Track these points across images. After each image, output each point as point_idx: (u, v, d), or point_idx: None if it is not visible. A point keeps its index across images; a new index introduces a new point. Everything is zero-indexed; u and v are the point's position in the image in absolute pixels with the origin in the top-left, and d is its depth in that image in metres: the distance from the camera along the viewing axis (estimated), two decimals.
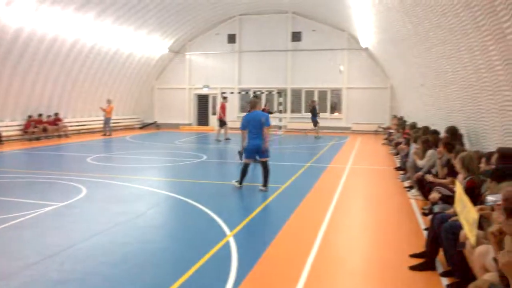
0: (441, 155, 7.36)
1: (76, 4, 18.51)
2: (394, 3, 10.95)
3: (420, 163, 8.25)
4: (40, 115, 20.62)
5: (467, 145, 8.27)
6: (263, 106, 12.52)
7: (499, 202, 3.44)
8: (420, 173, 7.72)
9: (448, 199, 5.86)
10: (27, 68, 18.98)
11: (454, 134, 7.67)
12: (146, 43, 25.67)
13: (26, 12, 16.94)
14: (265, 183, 8.98)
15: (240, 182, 9.23)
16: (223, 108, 20.01)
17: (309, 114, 22.99)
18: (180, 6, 23.48)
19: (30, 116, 20.08)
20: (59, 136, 21.50)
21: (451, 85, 8.93)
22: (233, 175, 11.39)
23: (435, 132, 9.28)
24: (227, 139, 19.75)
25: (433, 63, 9.98)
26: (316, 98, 27.41)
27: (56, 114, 21.55)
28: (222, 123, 19.92)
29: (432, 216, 5.30)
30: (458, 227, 4.34)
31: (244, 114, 9.40)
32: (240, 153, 12.50)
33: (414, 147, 9.17)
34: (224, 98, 21.30)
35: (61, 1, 17.82)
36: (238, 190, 9.17)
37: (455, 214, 4.71)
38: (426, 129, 9.72)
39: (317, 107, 23.21)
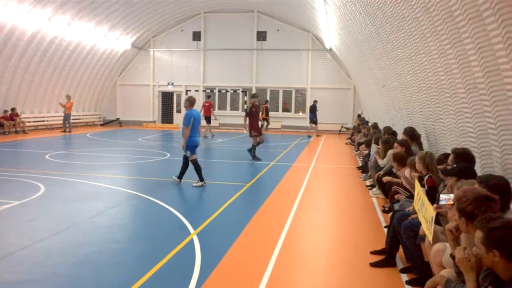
0: None
1: None
2: (357, 6, 11.18)
3: (381, 162, 8.45)
4: None
5: (426, 146, 8.54)
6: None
7: (451, 202, 3.57)
8: (380, 172, 7.92)
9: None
10: None
11: (411, 135, 7.90)
12: (108, 38, 25.09)
13: None
14: (181, 176, 9.51)
15: (201, 179, 9.34)
16: (210, 106, 21.36)
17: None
18: (145, 1, 23.10)
19: None
20: (16, 132, 20.72)
21: (411, 87, 9.20)
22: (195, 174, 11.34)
23: (394, 133, 9.55)
24: (205, 136, 20.44)
25: (393, 65, 10.25)
26: (280, 97, 27.67)
27: (13, 109, 20.75)
28: (208, 120, 21.25)
29: (392, 213, 5.44)
30: (417, 224, 4.48)
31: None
32: (250, 150, 13.46)
33: (374, 147, 9.39)
34: (209, 96, 23.40)
35: None
36: (201, 188, 9.15)
37: (414, 212, 4.86)
38: (386, 130, 9.98)
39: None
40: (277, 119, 27.34)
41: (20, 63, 20.37)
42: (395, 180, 7.00)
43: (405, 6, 7.34)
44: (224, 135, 22.65)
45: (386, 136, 9.09)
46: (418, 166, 5.69)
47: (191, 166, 9.41)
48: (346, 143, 19.63)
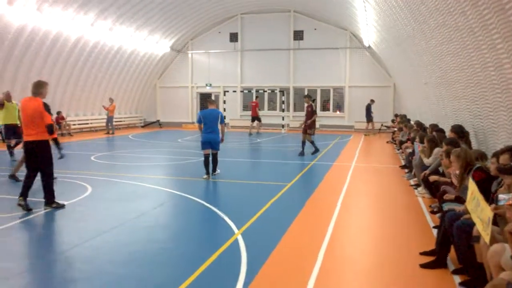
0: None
1: (77, 3, 18.51)
2: (399, 2, 10.92)
3: (427, 161, 8.21)
4: None
5: (475, 144, 8.24)
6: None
7: (511, 202, 3.42)
8: (427, 171, 7.69)
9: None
10: (29, 67, 18.98)
11: (460, 132, 7.63)
12: (148, 42, 25.66)
13: (27, 11, 16.92)
14: (214, 170, 10.49)
15: (207, 173, 10.27)
16: (255, 105, 22.94)
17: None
18: (182, 5, 23.49)
19: None
20: (62, 135, 21.49)
21: (456, 83, 8.90)
22: (237, 173, 11.42)
23: (441, 130, 9.24)
24: (254, 133, 22.62)
25: (438, 61, 9.95)
26: (318, 96, 27.48)
27: (59, 113, 21.55)
28: (257, 118, 23.05)
29: (442, 214, 5.28)
30: (470, 225, 4.32)
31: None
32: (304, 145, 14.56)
33: (419, 145, 9.14)
34: (257, 97, 24.89)
35: (63, 0, 17.82)
36: (242, 188, 9.21)
37: (466, 212, 4.69)
38: (433, 127, 9.68)
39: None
40: (316, 118, 27.04)
41: (65, 68, 21.13)
42: (443, 179, 6.79)
43: (450, 0, 7.10)
44: (262, 135, 22.68)
45: (433, 134, 8.82)
46: (456, 164, 5.51)
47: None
48: (387, 142, 19.24)
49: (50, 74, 20.40)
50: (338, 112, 27.57)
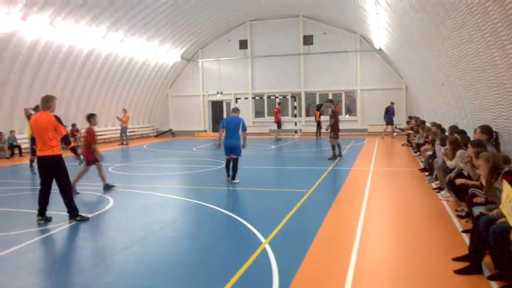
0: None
1: (89, 16, 18.70)
2: (413, 4, 10.86)
3: (450, 163, 8.10)
4: None
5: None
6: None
7: None
8: (452, 174, 7.58)
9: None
10: (43, 80, 19.18)
11: (490, 133, 7.52)
12: (159, 52, 25.83)
13: (40, 26, 17.12)
14: (234, 178, 10.81)
15: (228, 175, 10.95)
16: (277, 112, 23.80)
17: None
18: (191, 14, 23.62)
19: None
20: (77, 147, 21.59)
21: (478, 84, 8.79)
22: (256, 181, 11.38)
23: (463, 132, 9.13)
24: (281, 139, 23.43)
25: (456, 61, 9.84)
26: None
27: (74, 125, 21.73)
28: (279, 125, 23.89)
29: (475, 218, 5.18)
30: (507, 229, 4.24)
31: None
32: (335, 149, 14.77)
33: (440, 148, 9.03)
34: (279, 103, 26.15)
35: (75, 14, 18.02)
36: (263, 196, 9.18)
37: (501, 216, 4.60)
38: (453, 129, 9.56)
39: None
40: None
41: (78, 80, 21.33)
42: (471, 182, 6.67)
43: (471, 0, 7.03)
44: (276, 141, 22.62)
45: (455, 135, 8.70)
46: (484, 167, 5.41)
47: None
48: (402, 144, 19.09)
49: (64, 87, 20.60)
50: (347, 116, 27.38)
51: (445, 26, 9.31)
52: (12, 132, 18.22)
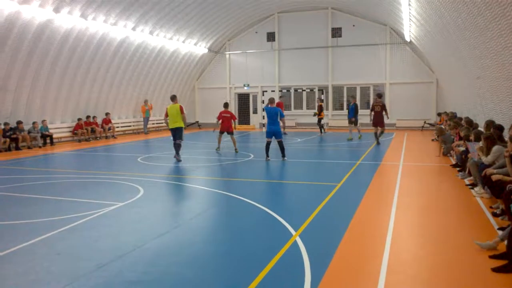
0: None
1: (119, 8, 18.90)
2: None
3: (485, 159, 7.87)
4: (88, 117, 21.19)
5: None
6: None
7: None
8: (490, 170, 7.35)
9: None
10: (75, 70, 19.54)
11: None
12: (187, 45, 25.96)
13: (72, 18, 17.41)
14: (283, 156, 13.06)
15: (267, 156, 13.16)
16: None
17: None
18: (219, 6, 23.60)
19: (79, 119, 20.66)
20: (107, 137, 22.03)
21: None
22: (285, 174, 11.35)
23: (499, 128, 8.85)
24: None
25: (494, 54, 9.53)
26: (358, 94, 27.05)
27: (107, 114, 22.15)
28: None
29: None
30: None
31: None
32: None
33: (475, 143, 8.79)
34: (280, 97, 26.08)
35: (105, 6, 18.24)
36: (293, 189, 9.11)
37: None
38: (489, 124, 9.28)
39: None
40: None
41: (108, 72, 21.66)
42: (508, 178, 6.47)
43: None
44: (301, 135, 22.49)
45: (490, 131, 8.45)
46: None
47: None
48: (432, 140, 18.69)
49: (95, 78, 20.95)
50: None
51: (483, 17, 9.02)
52: (43, 121, 18.65)
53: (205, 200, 8.45)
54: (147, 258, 5.20)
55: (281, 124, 13.32)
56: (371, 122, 17.43)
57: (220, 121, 15.48)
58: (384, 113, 17.17)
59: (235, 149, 15.21)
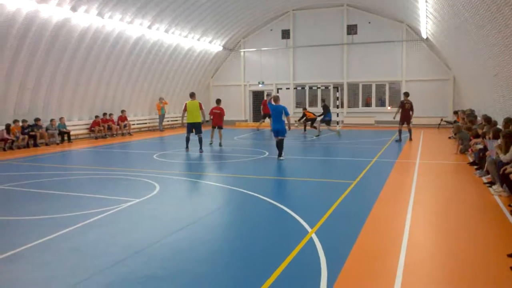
0: None
1: (135, 7, 19.06)
2: None
3: (504, 157, 7.77)
4: (104, 114, 21.42)
5: None
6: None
7: None
8: (509, 168, 7.25)
9: None
10: (91, 68, 19.77)
11: None
12: (202, 43, 26.05)
13: (89, 16, 17.61)
14: (280, 155, 12.70)
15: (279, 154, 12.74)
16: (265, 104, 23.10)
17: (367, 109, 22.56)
18: (234, 4, 23.63)
19: (97, 116, 20.90)
20: (123, 134, 22.24)
21: None
22: (300, 171, 11.34)
23: None
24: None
25: None
26: (373, 91, 26.87)
27: (123, 112, 22.36)
28: (264, 116, 23.03)
29: None
30: None
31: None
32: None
33: (494, 141, 8.67)
34: (268, 95, 25.46)
35: (122, 5, 18.40)
36: (308, 186, 9.11)
37: None
38: (508, 121, 9.15)
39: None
40: (371, 114, 26.57)
41: (124, 70, 21.86)
42: None
43: None
44: (315, 132, 22.36)
45: (509, 128, 8.33)
46: None
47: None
48: (449, 137, 18.47)
49: (111, 76, 21.17)
50: (389, 108, 26.59)
51: (502, 13, 8.88)
52: (61, 119, 18.92)
53: (220, 197, 8.49)
54: (163, 254, 5.25)
55: (286, 122, 12.95)
56: (399, 119, 17.53)
57: (211, 116, 16.57)
58: (410, 112, 17.43)
59: (219, 143, 16.44)
